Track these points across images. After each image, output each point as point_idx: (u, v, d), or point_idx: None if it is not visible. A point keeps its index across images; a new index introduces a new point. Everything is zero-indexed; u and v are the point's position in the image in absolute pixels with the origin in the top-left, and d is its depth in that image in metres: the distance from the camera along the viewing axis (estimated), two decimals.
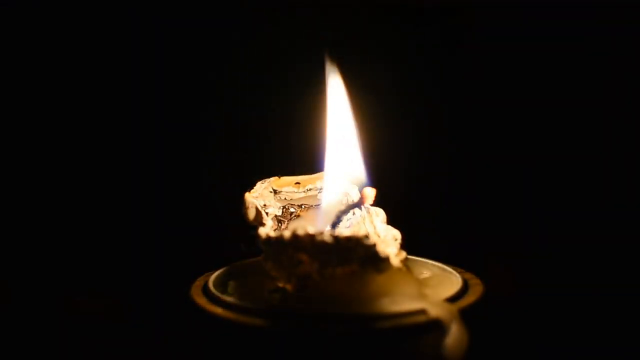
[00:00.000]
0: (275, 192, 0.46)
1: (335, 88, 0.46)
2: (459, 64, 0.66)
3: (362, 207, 0.43)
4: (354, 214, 0.43)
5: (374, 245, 0.37)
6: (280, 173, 0.47)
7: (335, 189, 0.45)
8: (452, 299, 0.39)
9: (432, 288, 0.42)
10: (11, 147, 0.65)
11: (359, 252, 0.37)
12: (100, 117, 0.67)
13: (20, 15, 0.64)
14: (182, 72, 0.67)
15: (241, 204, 0.44)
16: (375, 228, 0.43)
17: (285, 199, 0.46)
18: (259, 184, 0.45)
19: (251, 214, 0.43)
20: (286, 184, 0.46)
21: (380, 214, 0.44)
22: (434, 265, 0.45)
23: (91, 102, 0.67)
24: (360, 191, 0.43)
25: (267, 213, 0.44)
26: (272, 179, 0.46)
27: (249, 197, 0.44)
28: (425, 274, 0.45)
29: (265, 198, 0.45)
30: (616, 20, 0.62)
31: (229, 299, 0.39)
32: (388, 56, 0.67)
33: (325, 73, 0.47)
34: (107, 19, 0.65)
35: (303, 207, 0.46)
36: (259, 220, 0.43)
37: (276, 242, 0.38)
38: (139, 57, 0.66)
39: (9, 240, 0.64)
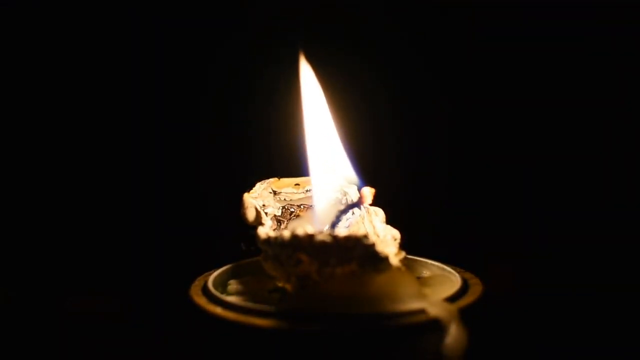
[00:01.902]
0: (274, 193, 0.46)
1: (311, 90, 0.46)
2: (460, 63, 0.66)
3: (361, 206, 0.43)
4: (352, 213, 0.43)
5: (373, 245, 0.37)
6: (279, 174, 0.47)
7: (328, 189, 0.45)
8: (451, 299, 0.39)
9: (432, 288, 0.42)
10: (12, 148, 0.66)
11: (358, 251, 0.37)
12: (100, 119, 0.67)
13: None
14: (180, 74, 0.67)
15: (240, 205, 0.44)
16: (374, 228, 0.43)
17: (284, 199, 0.46)
18: (258, 185, 0.45)
19: (250, 214, 0.43)
20: (286, 185, 0.46)
21: (379, 214, 0.44)
22: (433, 265, 0.45)
23: (91, 103, 0.67)
24: (359, 191, 0.43)
25: (266, 213, 0.44)
26: (271, 179, 0.46)
27: (247, 197, 0.44)
28: (425, 274, 0.45)
29: (264, 198, 0.45)
30: (616, 20, 0.62)
31: (228, 298, 0.39)
32: (389, 56, 0.67)
33: (300, 75, 0.47)
34: (103, 24, 0.65)
35: (302, 207, 0.46)
36: (258, 221, 0.43)
37: (275, 242, 0.38)
38: (137, 58, 0.66)
39: (9, 241, 0.64)
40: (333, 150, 0.45)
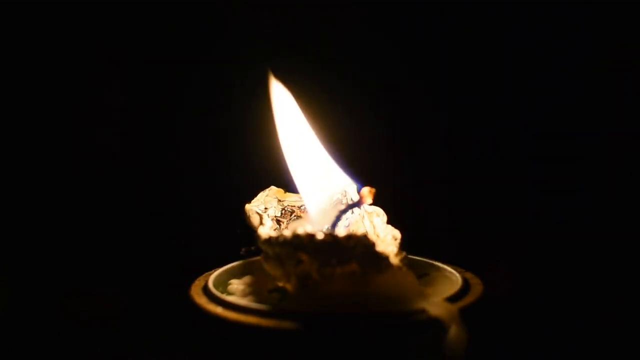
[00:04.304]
0: (278, 200, 0.46)
1: (283, 105, 0.47)
2: (458, 62, 0.66)
3: (361, 206, 0.43)
4: (352, 212, 0.43)
5: (373, 244, 0.37)
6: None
7: (322, 192, 0.45)
8: (452, 299, 0.39)
9: (432, 288, 0.42)
10: (12, 148, 0.66)
11: (358, 251, 0.37)
12: (99, 120, 0.67)
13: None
14: (185, 74, 0.67)
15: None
16: (374, 228, 0.43)
17: (287, 205, 0.46)
18: (260, 194, 0.45)
19: (254, 221, 0.43)
20: (290, 196, 0.46)
21: (380, 214, 0.44)
22: (434, 265, 0.45)
23: (91, 105, 0.67)
24: (360, 191, 0.43)
25: (267, 215, 0.44)
26: (274, 188, 0.46)
27: (248, 207, 0.44)
28: (425, 274, 0.45)
29: (266, 203, 0.45)
30: (616, 20, 0.62)
31: (228, 298, 0.39)
32: (387, 55, 0.67)
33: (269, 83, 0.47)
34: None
35: (303, 208, 0.46)
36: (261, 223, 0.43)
37: (276, 242, 0.38)
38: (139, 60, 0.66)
39: (9, 241, 0.64)
40: (318, 159, 0.45)
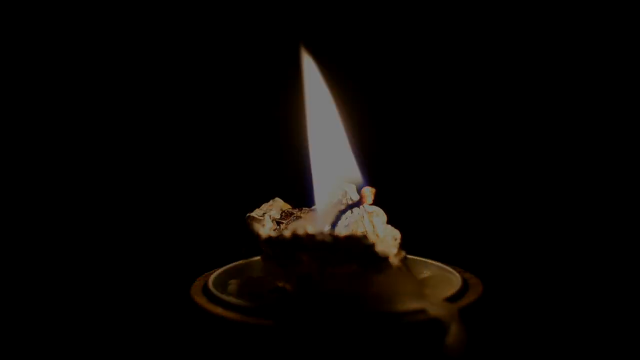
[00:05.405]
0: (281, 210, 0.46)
1: (315, 85, 0.46)
2: (457, 61, 0.66)
3: (362, 206, 0.43)
4: (352, 212, 0.43)
5: (373, 244, 0.37)
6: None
7: (330, 189, 0.45)
8: (452, 299, 0.39)
9: (432, 288, 0.42)
10: (12, 148, 0.66)
11: (358, 251, 0.37)
12: (100, 120, 0.67)
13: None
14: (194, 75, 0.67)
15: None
16: (374, 228, 0.43)
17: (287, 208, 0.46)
18: (264, 205, 0.45)
19: (255, 226, 0.43)
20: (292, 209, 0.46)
21: (380, 214, 0.44)
22: (434, 265, 0.45)
23: (93, 105, 0.67)
24: (360, 190, 0.43)
25: (269, 216, 0.44)
26: (279, 200, 0.46)
27: (250, 216, 0.44)
28: (425, 273, 0.45)
29: (267, 211, 0.45)
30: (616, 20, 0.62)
31: (228, 298, 0.39)
32: (385, 54, 0.67)
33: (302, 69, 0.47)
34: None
35: (303, 209, 0.46)
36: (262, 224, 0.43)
37: (276, 242, 0.38)
38: (137, 58, 0.66)
39: (10, 241, 0.64)
40: (338, 147, 0.45)
